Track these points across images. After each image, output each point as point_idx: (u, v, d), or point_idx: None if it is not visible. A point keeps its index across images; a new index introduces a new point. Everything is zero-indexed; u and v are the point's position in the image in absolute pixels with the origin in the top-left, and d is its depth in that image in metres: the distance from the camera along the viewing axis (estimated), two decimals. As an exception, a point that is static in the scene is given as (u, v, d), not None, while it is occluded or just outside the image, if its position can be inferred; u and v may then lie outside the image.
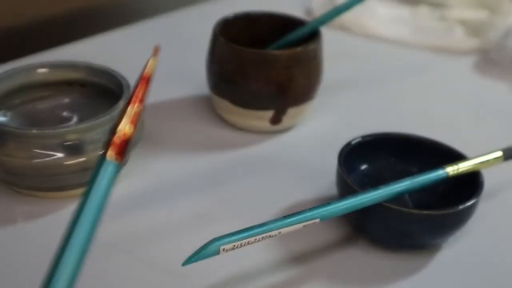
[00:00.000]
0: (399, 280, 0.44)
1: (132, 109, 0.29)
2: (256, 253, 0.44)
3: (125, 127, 0.28)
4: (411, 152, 0.50)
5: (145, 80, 0.30)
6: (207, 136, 0.57)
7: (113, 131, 0.28)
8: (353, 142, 0.48)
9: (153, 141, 0.56)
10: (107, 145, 0.28)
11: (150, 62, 0.30)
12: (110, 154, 0.28)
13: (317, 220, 0.41)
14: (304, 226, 0.40)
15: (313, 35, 0.57)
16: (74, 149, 0.46)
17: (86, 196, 0.28)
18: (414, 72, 0.72)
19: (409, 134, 0.50)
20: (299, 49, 0.55)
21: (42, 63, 0.53)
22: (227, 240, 0.38)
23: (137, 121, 0.29)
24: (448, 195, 0.47)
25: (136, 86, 0.29)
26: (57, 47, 0.70)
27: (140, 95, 0.29)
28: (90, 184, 0.28)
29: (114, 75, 0.52)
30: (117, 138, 0.28)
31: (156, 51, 0.30)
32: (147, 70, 0.30)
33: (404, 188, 0.44)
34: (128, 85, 0.50)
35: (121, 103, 0.48)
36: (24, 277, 0.42)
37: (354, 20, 0.81)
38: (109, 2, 0.85)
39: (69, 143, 0.45)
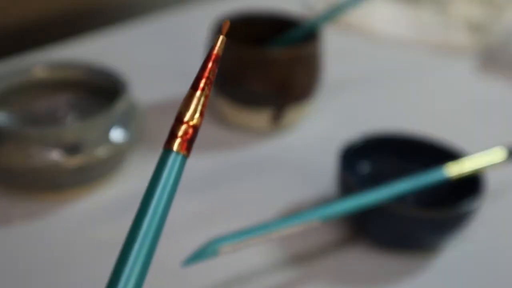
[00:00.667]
0: (399, 282, 0.44)
1: (201, 96, 0.25)
2: (256, 254, 0.44)
3: (193, 117, 0.25)
4: (412, 151, 0.50)
5: (214, 60, 0.26)
6: (206, 136, 0.57)
7: (179, 119, 0.25)
8: (353, 142, 0.48)
9: (152, 141, 0.56)
10: (173, 134, 0.25)
11: (220, 40, 0.27)
12: (177, 147, 0.25)
13: (318, 221, 0.40)
14: (304, 227, 0.40)
15: (313, 34, 0.57)
16: (72, 149, 0.45)
17: (151, 190, 0.25)
18: (415, 71, 0.72)
19: (410, 134, 0.50)
20: (299, 48, 0.55)
21: (40, 62, 0.53)
22: (226, 241, 0.37)
23: (205, 108, 0.26)
24: (450, 195, 0.46)
25: (203, 68, 0.26)
26: (55, 47, 0.69)
27: (210, 77, 0.26)
28: (155, 177, 0.25)
29: (112, 74, 0.51)
30: (184, 131, 0.25)
31: (225, 26, 0.27)
32: (216, 49, 0.26)
33: (405, 189, 0.43)
34: (126, 85, 0.50)
35: (120, 103, 0.48)
36: (22, 277, 0.42)
37: (354, 19, 0.81)
38: (108, 2, 0.85)
39: (67, 142, 0.45)
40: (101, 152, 0.46)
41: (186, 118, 0.25)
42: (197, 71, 0.64)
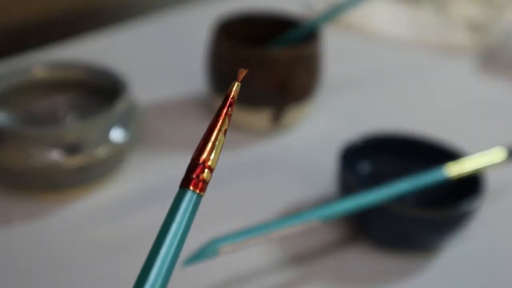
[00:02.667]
0: (399, 282, 0.43)
1: (220, 137, 0.26)
2: (256, 254, 0.44)
3: (210, 159, 0.26)
4: (412, 151, 0.50)
5: (230, 103, 0.27)
6: (206, 136, 0.57)
7: (196, 158, 0.26)
8: (353, 142, 0.48)
9: (152, 141, 0.56)
10: (189, 174, 0.26)
11: (235, 86, 0.28)
12: (194, 187, 0.25)
13: (318, 221, 0.40)
14: (304, 227, 0.40)
15: (313, 34, 0.57)
16: (72, 149, 0.45)
17: (166, 228, 0.25)
18: (415, 71, 0.72)
19: (410, 134, 0.50)
20: (299, 48, 0.55)
21: (40, 62, 0.53)
22: (226, 241, 0.38)
23: (221, 152, 0.26)
24: (450, 195, 0.46)
25: (221, 108, 0.27)
26: (55, 47, 0.69)
27: (227, 118, 0.27)
28: (170, 215, 0.26)
29: (112, 74, 0.51)
30: (201, 173, 0.26)
31: (241, 74, 0.28)
32: (232, 94, 0.27)
33: (405, 189, 0.43)
34: (126, 85, 0.50)
35: (120, 103, 0.48)
36: (22, 277, 0.42)
37: (354, 19, 0.81)
38: (108, 2, 0.85)
39: (67, 142, 0.45)
40: (101, 152, 0.46)
41: (202, 158, 0.26)
42: (196, 71, 0.64)
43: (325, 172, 0.52)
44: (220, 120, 0.26)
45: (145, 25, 0.77)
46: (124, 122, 0.48)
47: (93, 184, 0.49)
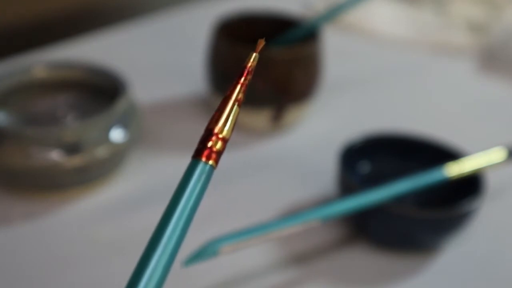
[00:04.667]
0: (399, 282, 0.43)
1: (235, 108, 0.26)
2: (256, 254, 0.44)
3: (224, 130, 0.25)
4: (412, 151, 0.50)
5: (248, 72, 0.27)
6: (206, 136, 0.57)
7: (210, 129, 0.25)
8: (353, 142, 0.48)
9: (151, 141, 0.56)
10: (202, 145, 0.25)
11: (253, 56, 0.27)
12: (207, 158, 0.25)
13: (318, 221, 0.40)
14: (304, 227, 0.40)
15: (313, 34, 0.57)
16: (72, 149, 0.45)
17: (177, 198, 0.25)
18: (415, 71, 0.72)
19: (410, 134, 0.50)
20: (299, 48, 0.55)
21: (39, 62, 0.53)
22: (226, 241, 0.37)
23: (236, 122, 0.26)
24: (450, 195, 0.46)
25: (238, 78, 0.26)
26: (55, 47, 0.69)
27: (243, 90, 0.26)
28: (181, 186, 0.25)
29: (111, 74, 0.51)
30: (215, 144, 0.25)
31: (259, 45, 0.27)
32: (250, 64, 0.27)
33: (405, 189, 0.43)
34: (126, 85, 0.50)
35: (120, 103, 0.48)
36: (22, 277, 0.42)
37: (354, 19, 0.81)
38: (108, 2, 0.85)
39: (67, 142, 0.45)
40: (101, 152, 0.46)
41: (216, 130, 0.25)
42: (196, 70, 0.64)
43: (325, 172, 0.52)
44: (236, 90, 0.26)
45: (145, 25, 0.77)
46: (124, 122, 0.48)
47: (93, 184, 0.49)
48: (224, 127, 0.25)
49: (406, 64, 0.73)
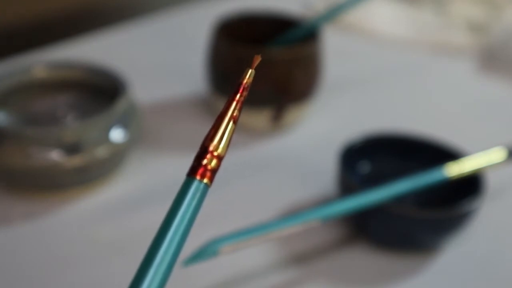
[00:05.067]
0: (399, 282, 0.43)
1: (230, 125, 0.26)
2: (256, 254, 0.44)
3: (219, 147, 0.25)
4: (412, 151, 0.50)
5: (243, 89, 0.26)
6: (206, 136, 0.57)
7: (205, 147, 0.25)
8: (353, 142, 0.48)
9: (151, 141, 0.56)
10: (197, 163, 0.25)
11: (249, 72, 0.26)
12: (201, 177, 0.25)
13: (318, 221, 0.40)
14: (304, 227, 0.40)
15: (313, 34, 0.57)
16: (72, 149, 0.45)
17: (171, 217, 0.25)
18: (415, 71, 0.72)
19: (410, 134, 0.50)
20: (299, 48, 0.55)
21: (39, 62, 0.53)
22: (226, 241, 0.37)
23: (231, 139, 0.26)
24: (450, 195, 0.46)
25: (233, 95, 0.26)
26: (55, 47, 0.69)
27: (238, 107, 0.26)
28: (175, 204, 0.25)
29: (111, 74, 0.51)
30: (209, 162, 0.25)
31: (255, 61, 0.26)
32: (246, 80, 0.26)
33: (405, 189, 0.43)
34: (126, 85, 0.50)
35: (120, 103, 0.48)
36: (22, 277, 0.42)
37: (354, 19, 0.81)
38: (108, 2, 0.85)
39: (67, 142, 0.45)
40: (101, 152, 0.46)
41: (211, 147, 0.25)
42: (196, 70, 0.64)
43: (325, 172, 0.52)
44: (231, 107, 0.26)
45: (145, 25, 0.77)
46: (124, 122, 0.48)
47: (93, 184, 0.49)
48: (219, 144, 0.25)
49: (406, 64, 0.73)
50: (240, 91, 0.26)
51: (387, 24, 0.81)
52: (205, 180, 0.25)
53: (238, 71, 0.58)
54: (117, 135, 0.48)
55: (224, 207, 0.49)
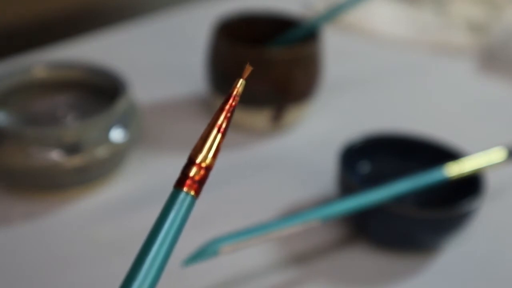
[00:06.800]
0: (399, 282, 0.43)
1: (218, 136, 0.25)
2: (256, 254, 0.44)
3: (206, 159, 0.25)
4: (412, 151, 0.50)
5: (233, 100, 0.26)
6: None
7: (192, 159, 0.25)
8: (353, 142, 0.48)
9: (151, 141, 0.56)
10: (184, 175, 0.25)
11: (239, 83, 0.26)
12: (188, 188, 0.25)
13: (318, 221, 0.40)
14: (304, 227, 0.40)
15: (313, 34, 0.57)
16: (72, 149, 0.45)
17: (157, 229, 0.25)
18: (415, 71, 0.72)
19: (410, 134, 0.50)
20: (299, 48, 0.55)
21: (39, 62, 0.53)
22: (226, 241, 0.37)
23: (219, 151, 0.25)
24: (450, 195, 0.46)
25: (222, 107, 0.26)
26: (55, 47, 0.69)
27: (228, 117, 0.25)
28: (162, 216, 0.25)
29: (111, 74, 0.51)
30: (197, 173, 0.25)
31: (246, 72, 0.26)
32: (235, 91, 0.26)
33: (405, 189, 0.43)
34: (126, 85, 0.50)
35: (120, 103, 0.48)
36: (22, 277, 0.42)
37: (354, 19, 0.81)
38: (108, 2, 0.85)
39: (67, 142, 0.45)
40: (101, 152, 0.46)
41: (199, 160, 0.25)
42: (196, 70, 0.64)
43: (325, 172, 0.52)
44: (220, 118, 0.25)
45: (145, 25, 0.77)
46: (124, 122, 0.48)
47: (93, 184, 0.49)
48: (207, 155, 0.25)
49: (406, 64, 0.73)
50: (230, 101, 0.26)
51: (387, 24, 0.81)
52: (192, 193, 0.25)
53: (238, 71, 0.58)
54: (117, 135, 0.48)
55: (224, 207, 0.49)
